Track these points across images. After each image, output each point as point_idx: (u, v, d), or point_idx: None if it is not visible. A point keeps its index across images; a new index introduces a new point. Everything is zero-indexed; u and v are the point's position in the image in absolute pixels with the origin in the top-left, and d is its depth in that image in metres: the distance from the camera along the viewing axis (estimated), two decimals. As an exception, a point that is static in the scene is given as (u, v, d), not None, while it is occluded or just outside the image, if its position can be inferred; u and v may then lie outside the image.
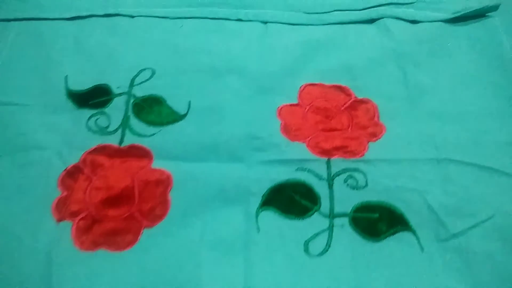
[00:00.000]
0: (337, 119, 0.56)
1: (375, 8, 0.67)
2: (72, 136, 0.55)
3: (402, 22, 0.65)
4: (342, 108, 0.57)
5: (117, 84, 0.59)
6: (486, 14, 0.64)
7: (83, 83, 0.59)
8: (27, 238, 0.48)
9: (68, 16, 0.66)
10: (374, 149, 0.53)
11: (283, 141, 0.54)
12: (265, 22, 0.66)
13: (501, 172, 0.51)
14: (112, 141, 0.54)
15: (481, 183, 0.50)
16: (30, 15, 0.66)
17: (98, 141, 0.54)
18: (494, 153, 0.52)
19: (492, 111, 0.56)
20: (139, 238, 0.48)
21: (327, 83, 0.60)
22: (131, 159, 0.53)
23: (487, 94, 0.58)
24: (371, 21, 0.66)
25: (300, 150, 0.53)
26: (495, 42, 0.62)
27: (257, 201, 0.50)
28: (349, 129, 0.55)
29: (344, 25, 0.66)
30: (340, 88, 0.59)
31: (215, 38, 0.64)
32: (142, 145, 0.54)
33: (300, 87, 0.59)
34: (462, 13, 0.64)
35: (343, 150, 0.53)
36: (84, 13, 0.67)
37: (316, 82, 0.60)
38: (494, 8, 0.64)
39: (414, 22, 0.65)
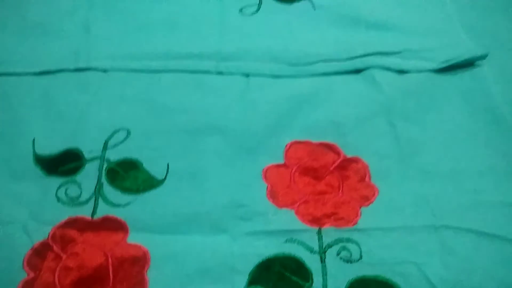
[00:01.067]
0: (326, 180, 0.53)
1: (360, 58, 0.65)
2: (40, 208, 0.50)
3: (389, 72, 0.63)
4: (331, 168, 0.54)
5: (89, 147, 0.55)
6: (475, 63, 0.63)
7: (52, 147, 0.55)
8: None
9: (36, 70, 0.63)
10: (367, 216, 0.50)
11: (270, 208, 0.50)
12: (247, 75, 0.63)
13: (502, 238, 0.48)
14: (84, 212, 0.50)
15: (482, 252, 0.47)
16: (-5, 71, 0.62)
17: (69, 213, 0.50)
18: (493, 216, 0.49)
19: (486, 168, 0.54)
20: (114, 326, 0.44)
21: (314, 140, 0.57)
22: (105, 233, 0.49)
23: (481, 150, 0.55)
24: (357, 71, 0.64)
25: (288, 218, 0.49)
26: (485, 93, 0.60)
27: (243, 280, 0.45)
28: (340, 191, 0.52)
29: (330, 77, 0.63)
30: (328, 146, 0.56)
31: (195, 94, 0.60)
32: (116, 217, 0.50)
33: (286, 145, 0.56)
34: (450, 62, 0.62)
35: (334, 217, 0.49)
36: (53, 67, 0.63)
37: (303, 140, 0.57)
38: (483, 57, 0.62)
39: (401, 72, 0.63)
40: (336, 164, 0.54)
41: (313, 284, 0.46)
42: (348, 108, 0.59)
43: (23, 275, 0.46)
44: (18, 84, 0.61)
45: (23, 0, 0.71)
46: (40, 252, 0.47)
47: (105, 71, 0.63)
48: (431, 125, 0.58)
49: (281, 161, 0.55)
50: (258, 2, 0.73)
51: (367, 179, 0.53)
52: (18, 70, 0.62)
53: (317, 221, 0.49)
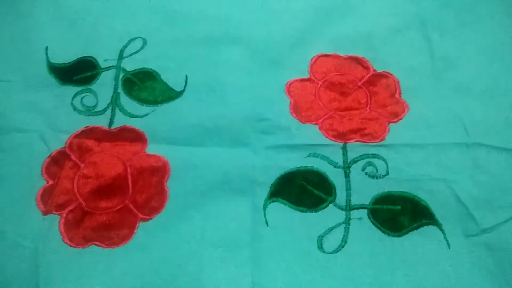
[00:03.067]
0: (353, 96, 0.50)
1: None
2: (56, 117, 0.49)
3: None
4: (359, 83, 0.51)
5: (104, 56, 0.52)
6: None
7: (65, 55, 0.53)
8: (10, 233, 0.43)
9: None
10: (395, 132, 0.47)
11: (293, 123, 0.48)
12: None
13: (538, 158, 0.45)
14: (101, 122, 0.48)
15: (515, 172, 0.44)
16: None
17: (85, 122, 0.48)
18: (530, 135, 0.46)
19: (526, 86, 0.50)
20: (134, 232, 0.43)
21: (342, 53, 0.53)
22: (123, 143, 0.47)
23: (521, 67, 0.51)
24: (391, -18, 0.58)
25: (312, 133, 0.47)
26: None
27: (264, 191, 0.44)
28: (367, 108, 0.49)
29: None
30: (356, 60, 0.52)
31: (214, 2, 0.56)
32: (134, 127, 0.48)
33: (312, 58, 0.53)
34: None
35: (360, 133, 0.47)
36: (66, -26, 0.58)
37: (330, 53, 0.53)
38: (532, -35, 0.56)
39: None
40: (364, 79, 0.51)
41: (336, 199, 0.44)
42: (379, 19, 0.55)
43: (43, 182, 0.45)
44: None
45: None
46: (58, 161, 0.46)
47: None
48: (469, 40, 0.54)
49: (306, 75, 0.52)
50: None
51: (397, 95, 0.50)
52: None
53: (342, 136, 0.47)
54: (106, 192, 0.45)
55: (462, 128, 0.47)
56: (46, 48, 0.53)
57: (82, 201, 0.44)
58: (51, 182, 0.45)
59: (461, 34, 0.54)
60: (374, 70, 0.52)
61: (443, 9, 0.56)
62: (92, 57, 0.52)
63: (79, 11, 0.56)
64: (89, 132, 0.48)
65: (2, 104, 0.50)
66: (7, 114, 0.49)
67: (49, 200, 0.44)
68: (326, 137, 0.47)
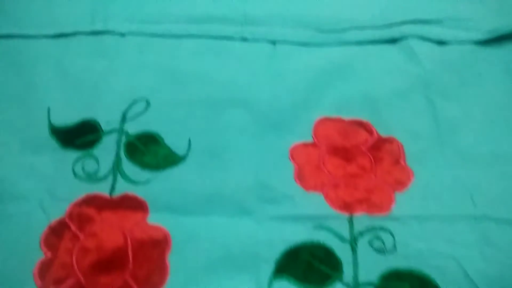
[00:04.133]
0: (358, 162, 0.49)
1: (397, 26, 0.59)
2: (56, 183, 0.48)
3: (429, 43, 0.58)
4: (364, 149, 0.50)
5: (106, 118, 0.52)
6: (524, 35, 0.57)
7: (67, 116, 0.52)
8: None
9: (50, 33, 0.59)
10: (402, 202, 0.46)
11: (297, 191, 0.47)
12: (274, 42, 0.58)
13: (548, 231, 0.44)
14: (102, 189, 0.48)
15: (526, 246, 0.44)
16: (6, 31, 0.58)
17: (86, 189, 0.47)
18: (539, 207, 0.46)
19: (533, 153, 0.49)
20: (134, 309, 0.42)
21: (345, 117, 0.53)
22: (124, 212, 0.46)
23: (527, 133, 0.51)
24: (393, 40, 0.59)
25: (317, 203, 0.46)
26: (534, 68, 0.55)
27: (269, 268, 0.43)
28: (373, 174, 0.49)
29: (363, 46, 0.58)
30: (360, 124, 0.52)
31: (218, 62, 0.56)
32: (135, 195, 0.47)
33: (315, 122, 0.52)
34: (496, 33, 0.57)
35: (367, 203, 0.46)
36: (68, 30, 0.59)
37: (333, 116, 0.53)
38: (534, 28, 0.56)
39: (441, 43, 0.58)
40: (369, 144, 0.51)
41: (343, 275, 0.43)
42: (382, 81, 0.55)
43: (41, 255, 0.44)
44: (30, 47, 0.58)
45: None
46: (57, 231, 0.45)
47: (122, 35, 0.58)
48: (472, 103, 0.54)
49: (310, 139, 0.51)
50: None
51: (402, 161, 0.50)
52: (31, 32, 0.58)
53: (348, 207, 0.46)
54: (106, 267, 0.43)
55: (468, 199, 0.47)
56: (48, 109, 0.52)
57: (81, 277, 0.43)
58: (49, 254, 0.44)
59: (464, 96, 0.54)
60: (378, 135, 0.51)
61: (445, 71, 0.56)
62: (95, 120, 0.51)
63: (82, 70, 0.55)
64: (89, 201, 0.47)
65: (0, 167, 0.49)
66: (5, 179, 0.48)
67: (47, 275, 0.43)
68: (332, 207, 0.46)
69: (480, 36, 0.58)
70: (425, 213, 0.46)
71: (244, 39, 0.59)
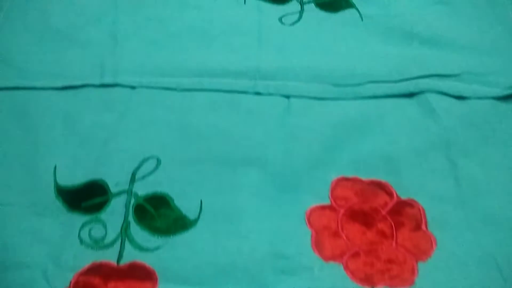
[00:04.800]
0: (378, 227, 0.47)
1: (414, 80, 0.58)
2: (61, 251, 0.45)
3: (447, 98, 0.56)
4: (383, 212, 0.48)
5: (115, 179, 0.50)
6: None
7: (75, 176, 0.50)
8: None
9: (58, 85, 0.57)
10: (425, 273, 0.44)
11: (315, 262, 0.45)
12: (288, 96, 0.57)
13: None
14: (109, 256, 0.45)
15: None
16: (14, 84, 0.57)
17: (92, 257, 0.45)
18: None
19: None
20: None
21: (363, 177, 0.51)
22: (132, 282, 0.44)
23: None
24: (410, 95, 0.57)
25: (337, 274, 0.44)
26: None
27: None
28: (393, 241, 0.46)
29: (380, 100, 0.57)
30: (379, 185, 0.50)
31: (230, 118, 0.55)
32: (144, 264, 0.45)
33: (332, 182, 0.50)
34: (517, 88, 0.55)
35: (388, 274, 0.44)
36: (77, 82, 0.57)
37: (350, 176, 0.51)
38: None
39: (461, 98, 0.56)
40: (388, 207, 0.49)
41: None
42: (401, 139, 0.53)
43: (43, 330, 0.41)
44: (38, 100, 0.56)
45: (46, 3, 0.65)
46: (61, 303, 0.42)
47: (133, 88, 0.57)
48: (495, 163, 0.52)
49: (327, 201, 0.49)
50: (299, 10, 0.66)
51: (423, 226, 0.47)
52: (38, 85, 0.57)
53: (369, 279, 0.44)
54: None
55: (495, 269, 0.44)
56: (55, 167, 0.50)
57: None
58: (53, 328, 0.41)
59: (486, 155, 0.52)
60: (398, 197, 0.49)
61: (466, 128, 0.54)
62: (103, 180, 0.49)
63: (91, 126, 0.54)
64: (96, 270, 0.44)
65: (2, 232, 0.47)
66: (8, 245, 0.46)
67: None
68: (352, 279, 0.44)
69: (500, 91, 0.56)
70: (449, 285, 0.43)
71: (257, 93, 0.57)
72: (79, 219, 0.47)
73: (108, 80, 0.57)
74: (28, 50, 0.60)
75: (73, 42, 0.61)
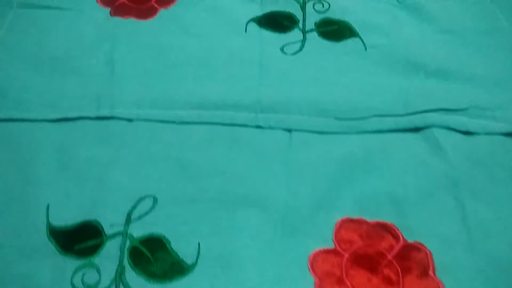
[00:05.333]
0: (384, 273, 0.45)
1: (420, 115, 0.56)
2: (53, 298, 0.43)
3: (454, 134, 0.55)
4: (390, 257, 0.46)
5: (110, 220, 0.48)
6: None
7: (68, 215, 0.48)
8: None
9: (53, 117, 0.55)
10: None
11: (319, 313, 0.42)
12: (289, 130, 0.55)
13: None
14: (103, 304, 0.43)
15: None
16: (8, 115, 0.55)
17: (85, 306, 0.43)
18: None
19: None
20: None
21: (368, 218, 0.49)
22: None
23: None
24: (416, 129, 0.55)
25: (341, 326, 0.42)
26: None
27: None
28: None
29: (385, 135, 0.55)
30: (385, 227, 0.48)
31: (230, 153, 0.53)
32: (140, 313, 0.42)
33: (336, 223, 0.48)
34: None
35: (395, 325, 0.42)
36: (72, 114, 0.56)
37: (355, 217, 0.49)
38: None
39: (468, 134, 0.55)
40: (395, 251, 0.47)
41: None
42: (406, 178, 0.51)
43: None
44: (32, 132, 0.54)
45: (42, 30, 0.64)
46: None
47: (130, 121, 0.55)
48: (504, 204, 0.50)
49: (331, 244, 0.47)
50: (301, 39, 0.64)
51: (431, 272, 0.45)
52: (33, 116, 0.55)
53: (376, 331, 0.42)
54: None
55: None
56: (47, 206, 0.48)
57: None
58: None
59: (495, 196, 0.50)
60: (404, 240, 0.47)
61: (474, 166, 0.52)
62: (97, 221, 0.47)
63: (85, 161, 0.52)
64: (89, 320, 0.42)
65: (-9, 276, 0.45)
66: (-4, 292, 0.44)
67: None
68: (358, 331, 0.42)
69: (509, 126, 0.54)
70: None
71: (258, 127, 0.55)
72: (72, 263, 0.45)
73: (104, 112, 0.56)
74: (24, 79, 0.59)
75: (70, 71, 0.60)
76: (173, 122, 0.56)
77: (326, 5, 0.68)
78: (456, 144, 0.54)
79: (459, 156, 0.53)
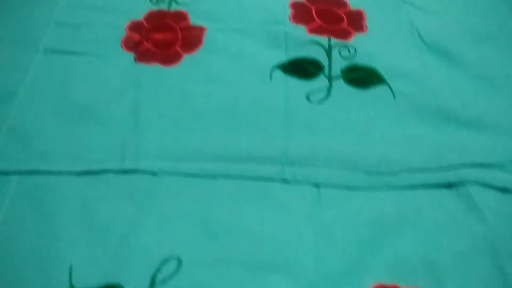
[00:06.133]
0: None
1: (454, 171, 0.54)
2: None
3: (491, 191, 0.53)
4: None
5: (133, 283, 0.46)
6: None
7: (91, 277, 0.47)
8: None
9: (77, 169, 0.55)
10: None
11: None
12: (317, 185, 0.53)
13: None
14: None
15: None
16: (32, 167, 0.55)
17: None
18: None
19: None
20: None
21: (402, 284, 0.47)
22: None
23: None
24: (449, 185, 0.53)
25: None
26: None
27: None
28: None
29: (417, 192, 0.53)
30: (421, 296, 0.45)
31: (257, 211, 0.52)
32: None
33: (368, 290, 0.46)
34: None
35: None
36: (96, 167, 0.55)
37: (388, 283, 0.47)
38: None
39: (506, 191, 0.52)
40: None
41: None
42: (442, 240, 0.49)
43: None
44: (56, 186, 0.54)
45: (67, 78, 0.63)
46: None
47: (154, 174, 0.54)
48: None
49: (363, 314, 0.45)
50: (327, 86, 0.63)
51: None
52: (57, 168, 0.54)
53: None
54: None
55: None
56: (70, 267, 0.47)
57: None
58: None
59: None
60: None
61: (513, 228, 0.49)
62: (120, 285, 0.46)
63: (109, 219, 0.51)
64: None
65: None
66: None
67: None
68: None
69: (551, 183, 0.52)
70: None
71: (285, 181, 0.54)
72: (94, 329, 0.44)
73: (128, 164, 0.55)
74: (48, 128, 0.58)
75: (94, 120, 0.59)
76: (198, 175, 0.54)
77: (352, 51, 0.66)
78: (493, 202, 0.51)
79: (497, 217, 0.50)
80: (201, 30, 0.69)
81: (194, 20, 0.71)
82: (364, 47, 0.67)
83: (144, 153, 0.56)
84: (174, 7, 0.73)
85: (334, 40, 0.67)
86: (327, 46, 0.67)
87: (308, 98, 0.61)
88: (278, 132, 0.58)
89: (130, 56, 0.67)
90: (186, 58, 0.66)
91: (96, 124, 0.59)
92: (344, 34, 0.68)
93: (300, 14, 0.71)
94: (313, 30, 0.68)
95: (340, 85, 0.63)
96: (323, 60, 0.65)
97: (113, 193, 0.53)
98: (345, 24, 0.70)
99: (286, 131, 0.58)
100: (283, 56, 0.66)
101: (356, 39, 0.68)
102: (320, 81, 0.64)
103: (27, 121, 0.59)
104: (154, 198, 0.52)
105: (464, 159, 0.54)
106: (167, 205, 0.52)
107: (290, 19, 0.70)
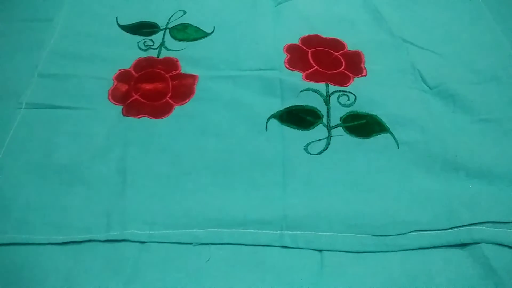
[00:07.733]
0: None
1: (465, 227, 0.50)
2: None
3: (507, 252, 0.48)
4: None
5: None
6: None
7: None
8: None
9: (59, 240, 0.50)
10: None
11: None
12: (320, 250, 0.49)
13: None
14: None
15: None
16: (10, 239, 0.50)
17: None
18: None
19: None
20: None
21: None
22: None
23: None
24: (462, 245, 0.49)
25: None
26: None
27: None
28: None
29: (427, 253, 0.50)
30: None
31: (253, 284, 0.47)
32: None
33: None
34: None
35: None
36: (80, 236, 0.51)
37: None
38: None
39: (522, 251, 0.48)
40: None
41: None
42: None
43: None
44: (36, 259, 0.50)
45: (51, 134, 0.60)
46: None
47: (142, 243, 0.50)
48: None
49: None
50: (326, 136, 0.59)
51: None
52: (37, 240, 0.50)
53: None
54: None
55: None
56: None
57: None
58: None
59: None
60: None
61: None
62: None
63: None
64: None
65: None
66: None
67: None
68: None
69: None
70: None
71: (284, 247, 0.50)
72: None
73: (115, 233, 0.51)
74: (28, 194, 0.54)
75: (77, 182, 0.55)
76: (189, 243, 0.50)
77: (352, 97, 0.63)
78: (509, 264, 0.47)
79: (514, 280, 0.46)
80: (192, 78, 0.66)
81: (185, 67, 0.68)
82: (364, 93, 0.63)
83: (132, 220, 0.52)
84: (164, 54, 0.70)
85: (332, 87, 0.64)
86: (324, 93, 0.63)
87: (306, 149, 0.58)
88: (275, 190, 0.54)
89: (118, 108, 0.63)
90: (177, 109, 0.63)
91: (80, 187, 0.55)
92: (342, 80, 0.65)
93: (296, 59, 0.68)
94: (309, 77, 0.65)
95: (339, 134, 0.60)
96: (321, 108, 0.62)
97: (98, 266, 0.49)
98: (343, 68, 0.67)
99: (284, 188, 0.54)
100: (279, 105, 0.62)
101: (355, 84, 0.65)
102: (319, 131, 0.60)
103: (5, 188, 0.54)
104: (141, 271, 0.48)
105: (476, 217, 0.50)
106: (156, 279, 0.48)
107: (285, 65, 0.67)
